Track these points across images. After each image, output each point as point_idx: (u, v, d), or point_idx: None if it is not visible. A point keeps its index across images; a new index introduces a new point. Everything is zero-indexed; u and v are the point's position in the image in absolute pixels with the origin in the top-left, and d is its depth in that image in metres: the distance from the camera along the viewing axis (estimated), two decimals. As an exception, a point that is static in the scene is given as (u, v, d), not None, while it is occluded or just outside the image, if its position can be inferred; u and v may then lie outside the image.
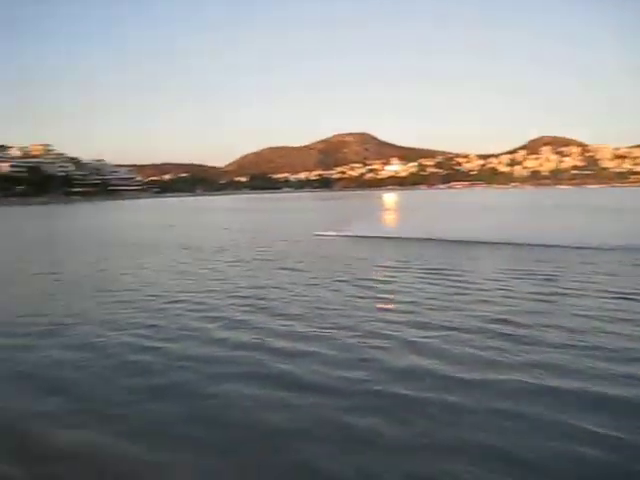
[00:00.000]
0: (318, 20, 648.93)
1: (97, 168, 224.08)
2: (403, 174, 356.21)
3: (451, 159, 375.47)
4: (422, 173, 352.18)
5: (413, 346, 8.67)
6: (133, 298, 13.11)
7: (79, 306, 12.36)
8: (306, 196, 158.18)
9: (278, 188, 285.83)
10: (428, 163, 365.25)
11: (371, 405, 6.47)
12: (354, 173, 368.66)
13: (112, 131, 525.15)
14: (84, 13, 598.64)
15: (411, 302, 12.01)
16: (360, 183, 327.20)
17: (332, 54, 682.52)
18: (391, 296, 13.02)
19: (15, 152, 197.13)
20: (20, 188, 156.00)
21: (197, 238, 29.90)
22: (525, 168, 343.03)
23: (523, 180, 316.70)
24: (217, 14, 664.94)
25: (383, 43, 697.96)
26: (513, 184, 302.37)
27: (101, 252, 24.46)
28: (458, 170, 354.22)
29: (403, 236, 26.80)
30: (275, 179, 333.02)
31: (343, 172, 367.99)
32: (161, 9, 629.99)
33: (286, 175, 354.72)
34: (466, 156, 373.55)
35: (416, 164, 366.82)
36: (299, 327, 10.00)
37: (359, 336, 9.29)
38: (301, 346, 8.78)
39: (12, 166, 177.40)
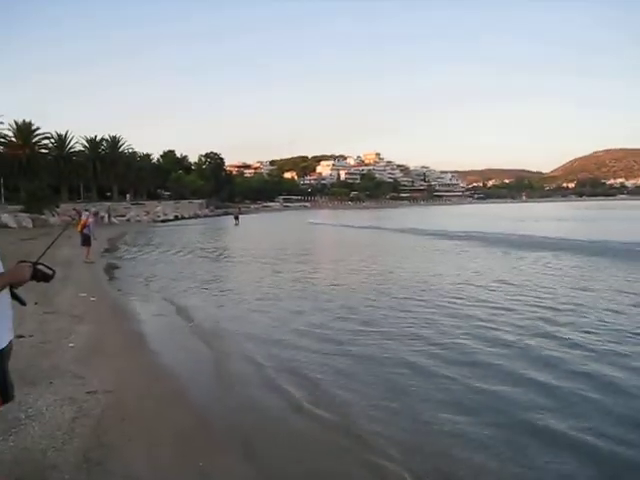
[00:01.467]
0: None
1: (423, 174, 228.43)
2: None
3: None
4: None
5: None
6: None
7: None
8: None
9: (611, 195, 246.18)
10: None
11: None
12: None
13: (436, 140, 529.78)
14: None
15: None
16: None
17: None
18: None
19: (351, 161, 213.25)
20: (354, 193, 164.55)
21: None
22: None
23: None
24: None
25: None
26: None
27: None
28: None
29: None
30: (607, 185, 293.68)
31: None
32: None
33: (621, 180, 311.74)
34: None
35: None
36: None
37: None
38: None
39: (348, 173, 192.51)
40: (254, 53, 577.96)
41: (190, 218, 67.20)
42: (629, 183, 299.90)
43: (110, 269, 17.40)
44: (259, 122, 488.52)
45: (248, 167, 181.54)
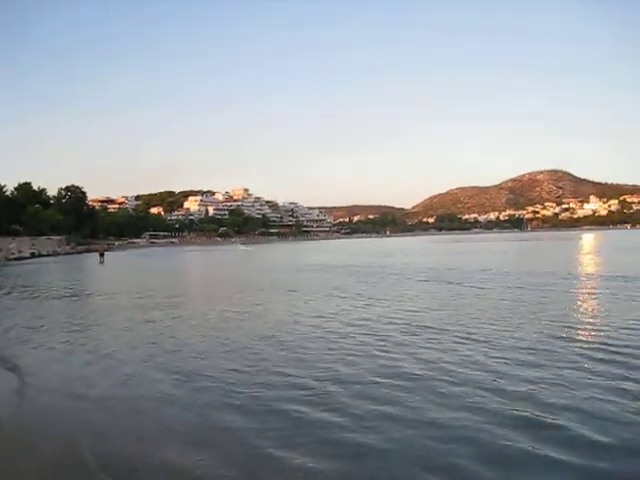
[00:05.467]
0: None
1: (291, 210, 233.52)
2: (602, 212, 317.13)
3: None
4: (626, 211, 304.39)
5: None
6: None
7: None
8: (493, 237, 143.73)
9: (467, 229, 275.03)
10: (634, 200, 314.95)
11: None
12: (547, 212, 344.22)
13: (305, 176, 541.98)
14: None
15: None
16: (554, 223, 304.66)
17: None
18: None
19: (219, 197, 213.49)
20: (223, 229, 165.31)
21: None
22: None
23: None
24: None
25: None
26: None
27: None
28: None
29: None
30: (463, 219, 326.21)
31: (536, 212, 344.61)
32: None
33: (475, 215, 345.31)
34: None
35: (617, 201, 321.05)
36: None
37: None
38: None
39: (216, 209, 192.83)
40: (119, 82, 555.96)
41: (49, 255, 63.76)
42: (481, 218, 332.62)
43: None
44: (123, 156, 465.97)
45: (112, 202, 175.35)
